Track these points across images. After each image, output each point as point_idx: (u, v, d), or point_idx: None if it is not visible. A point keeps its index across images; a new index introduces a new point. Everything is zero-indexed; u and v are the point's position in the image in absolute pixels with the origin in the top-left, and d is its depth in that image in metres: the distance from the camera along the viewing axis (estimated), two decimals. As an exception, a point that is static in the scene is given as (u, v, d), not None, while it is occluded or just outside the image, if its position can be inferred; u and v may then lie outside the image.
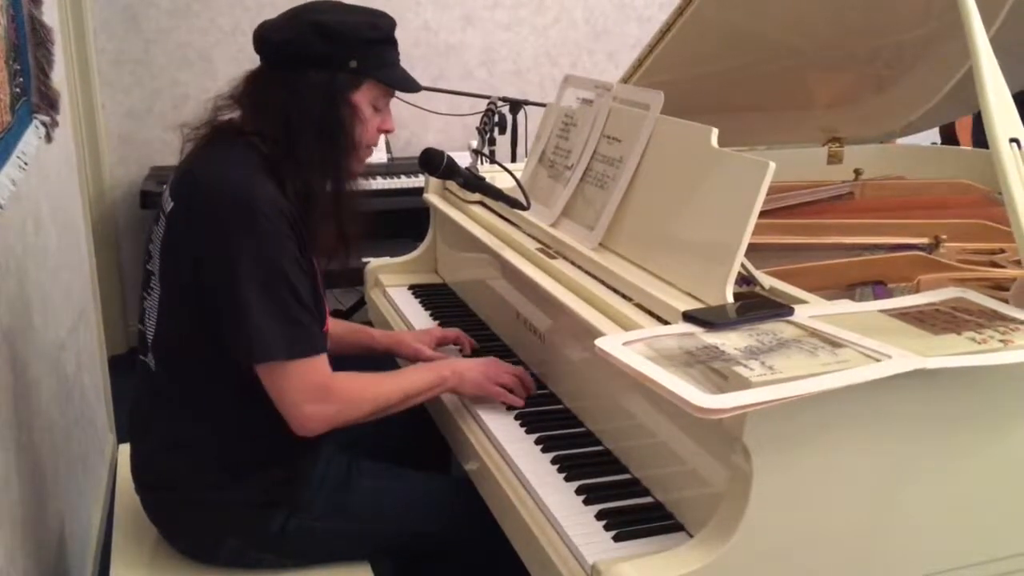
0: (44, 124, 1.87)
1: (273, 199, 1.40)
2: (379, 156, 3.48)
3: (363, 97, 1.50)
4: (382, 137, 3.41)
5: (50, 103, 1.93)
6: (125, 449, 1.66)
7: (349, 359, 1.76)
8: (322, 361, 1.43)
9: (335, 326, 1.83)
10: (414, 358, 1.80)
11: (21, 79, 1.76)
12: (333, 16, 1.48)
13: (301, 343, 1.40)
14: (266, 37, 1.50)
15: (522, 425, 1.51)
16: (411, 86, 1.55)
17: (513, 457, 1.41)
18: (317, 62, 1.46)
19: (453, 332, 1.86)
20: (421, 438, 1.80)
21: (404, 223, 3.00)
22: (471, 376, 1.57)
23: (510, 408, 1.57)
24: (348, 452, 1.62)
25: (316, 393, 1.41)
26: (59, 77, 2.12)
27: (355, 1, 1.56)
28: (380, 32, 1.51)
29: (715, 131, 1.43)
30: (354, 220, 1.55)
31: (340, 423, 1.46)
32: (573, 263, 1.59)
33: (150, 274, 1.50)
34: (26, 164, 1.68)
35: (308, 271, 1.45)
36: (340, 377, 1.46)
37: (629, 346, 1.14)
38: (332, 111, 1.47)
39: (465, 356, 1.81)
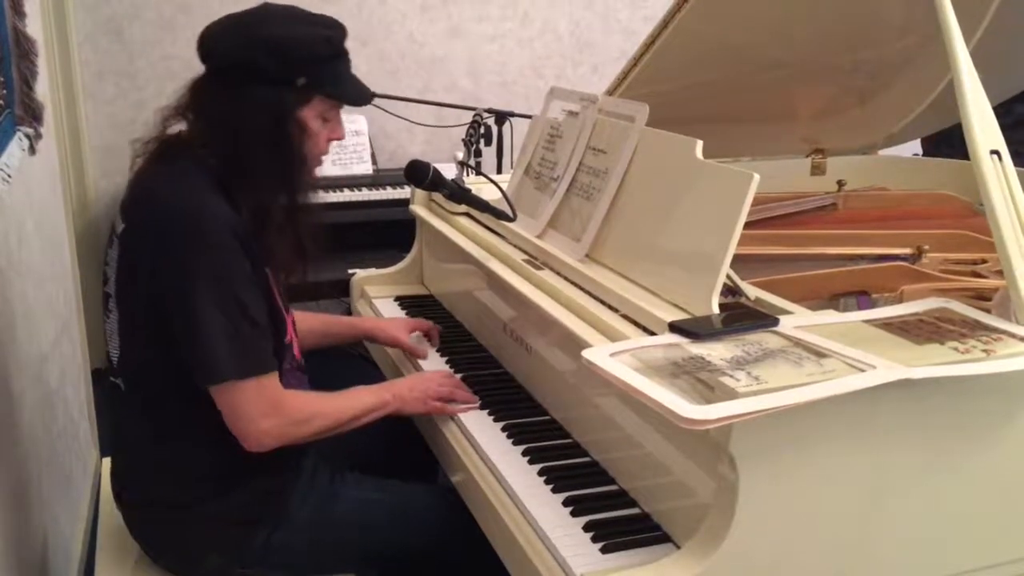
0: (28, 136, 1.87)
1: (223, 216, 1.38)
2: (364, 167, 3.48)
3: (311, 112, 1.47)
4: (367, 148, 3.48)
5: (34, 115, 1.92)
6: (108, 463, 1.65)
7: (319, 367, 1.78)
8: (273, 379, 1.43)
9: (312, 321, 1.87)
10: (393, 344, 1.92)
11: (5, 91, 1.76)
12: (282, 30, 1.43)
13: (251, 362, 1.39)
14: (211, 47, 1.46)
15: (509, 436, 1.51)
16: (362, 99, 1.52)
17: (500, 468, 1.41)
18: (264, 78, 1.42)
19: (425, 323, 1.96)
20: (406, 449, 1.80)
21: (390, 234, 3.00)
22: (411, 397, 1.59)
23: (497, 419, 1.57)
24: (332, 464, 1.61)
25: (269, 408, 1.41)
26: (43, 89, 2.11)
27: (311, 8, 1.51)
28: (331, 47, 1.47)
29: (700, 143, 1.43)
30: (311, 234, 1.53)
31: (292, 439, 1.45)
32: (559, 274, 1.59)
33: (108, 296, 1.49)
34: (10, 176, 1.67)
35: (263, 286, 1.44)
36: (290, 395, 1.47)
37: (616, 357, 1.14)
38: (280, 128, 1.44)
39: (433, 346, 1.92)
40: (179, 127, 1.49)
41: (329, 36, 1.46)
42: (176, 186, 1.42)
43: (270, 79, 1.42)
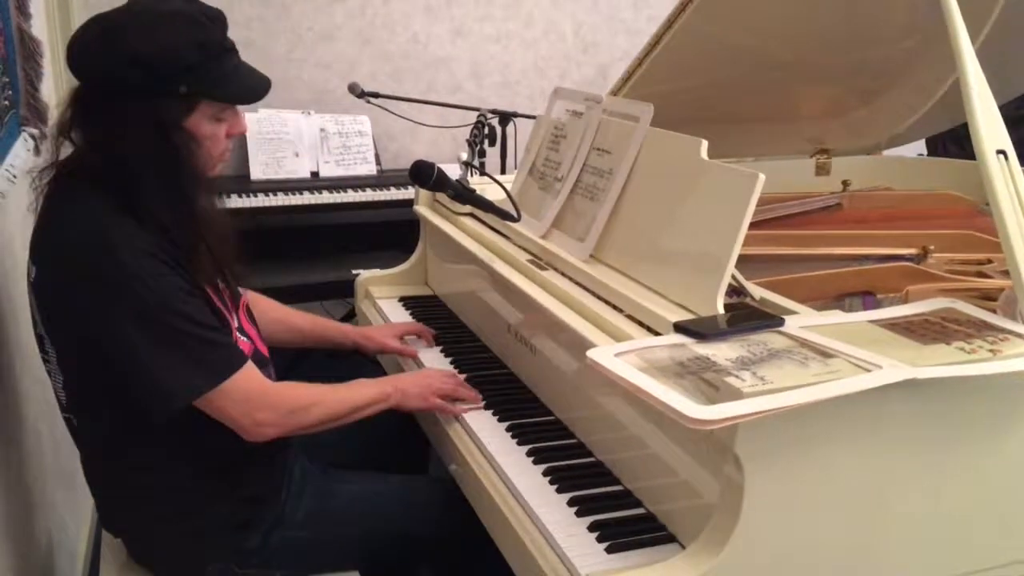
0: (32, 137, 1.87)
1: (134, 241, 1.31)
2: (368, 168, 3.48)
3: (199, 118, 1.37)
4: (371, 149, 3.48)
5: (38, 116, 1.92)
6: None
7: (320, 363, 1.77)
8: (248, 372, 1.39)
9: (302, 321, 1.87)
10: (379, 351, 1.91)
11: (10, 92, 1.76)
12: (150, 40, 1.30)
13: (217, 366, 1.35)
14: (77, 62, 1.34)
15: (513, 436, 1.51)
16: (253, 95, 1.41)
17: (505, 469, 1.41)
18: (140, 93, 1.31)
19: (416, 326, 1.95)
20: (396, 441, 1.80)
21: (394, 235, 3.01)
22: (413, 391, 1.58)
23: (501, 419, 1.57)
24: (322, 460, 1.62)
25: (257, 401, 1.39)
26: (47, 90, 2.11)
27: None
28: (208, 49, 1.34)
29: (704, 143, 1.43)
30: (222, 242, 1.43)
31: (293, 429, 1.44)
32: (564, 274, 1.59)
33: (41, 338, 1.43)
34: (15, 177, 1.67)
35: (198, 293, 1.38)
36: (281, 385, 1.46)
37: (620, 357, 1.14)
38: (165, 143, 1.33)
39: (427, 347, 1.91)
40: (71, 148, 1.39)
41: (202, 40, 1.34)
42: (79, 221, 1.33)
43: (147, 93, 1.32)
